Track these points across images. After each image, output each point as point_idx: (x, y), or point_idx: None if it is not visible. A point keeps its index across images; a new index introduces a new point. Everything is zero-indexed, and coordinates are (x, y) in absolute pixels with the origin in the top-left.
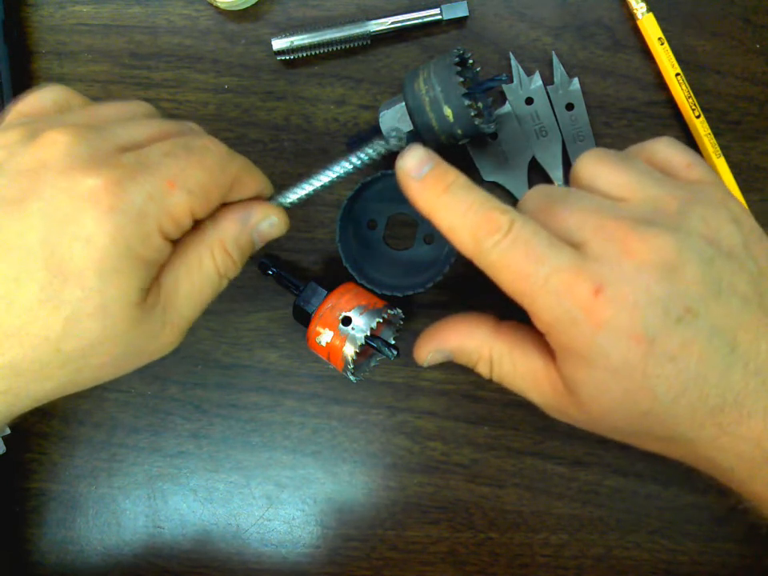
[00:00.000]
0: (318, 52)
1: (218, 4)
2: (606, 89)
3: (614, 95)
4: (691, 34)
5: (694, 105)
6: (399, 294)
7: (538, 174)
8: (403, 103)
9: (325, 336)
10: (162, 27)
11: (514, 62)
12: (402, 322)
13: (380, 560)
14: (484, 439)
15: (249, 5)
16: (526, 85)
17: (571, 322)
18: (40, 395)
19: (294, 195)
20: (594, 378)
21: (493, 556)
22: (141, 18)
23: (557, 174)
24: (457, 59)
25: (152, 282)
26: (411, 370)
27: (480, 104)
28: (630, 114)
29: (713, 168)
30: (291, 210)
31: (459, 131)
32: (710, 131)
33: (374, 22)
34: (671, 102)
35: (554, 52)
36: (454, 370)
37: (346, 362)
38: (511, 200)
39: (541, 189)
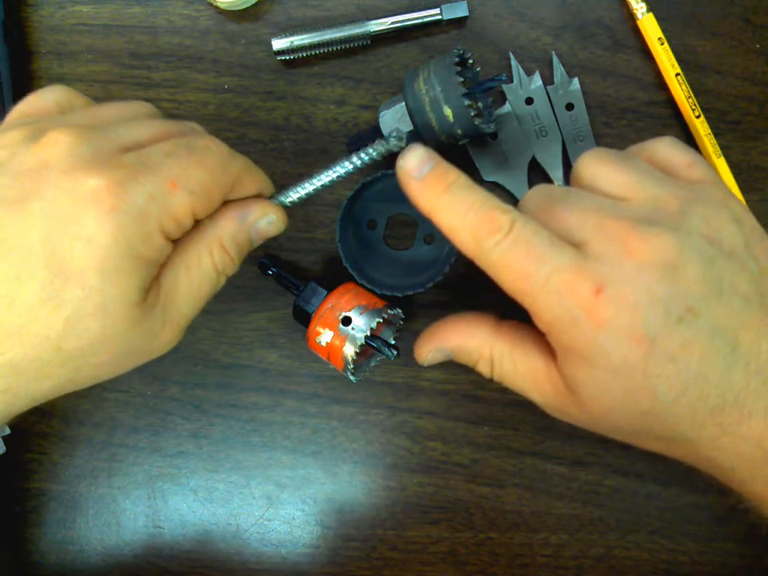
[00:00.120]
0: (317, 52)
1: (218, 4)
2: (606, 89)
3: (613, 95)
4: (691, 33)
5: (694, 105)
6: (399, 294)
7: (537, 174)
8: (403, 103)
9: (325, 336)
10: (162, 27)
11: (513, 62)
12: (401, 322)
13: (380, 560)
14: (484, 439)
15: (249, 5)
16: (525, 85)
17: (572, 321)
18: (39, 394)
19: (295, 195)
20: (594, 377)
21: (493, 556)
22: (141, 18)
23: (557, 174)
24: (457, 59)
25: (152, 282)
26: (411, 370)
27: (480, 104)
28: (629, 114)
29: (713, 168)
30: (291, 210)
31: (459, 131)
32: (709, 131)
33: (374, 21)
34: (671, 102)
35: (553, 52)
36: (454, 369)
37: (346, 362)
38: (511, 200)
39: (541, 188)
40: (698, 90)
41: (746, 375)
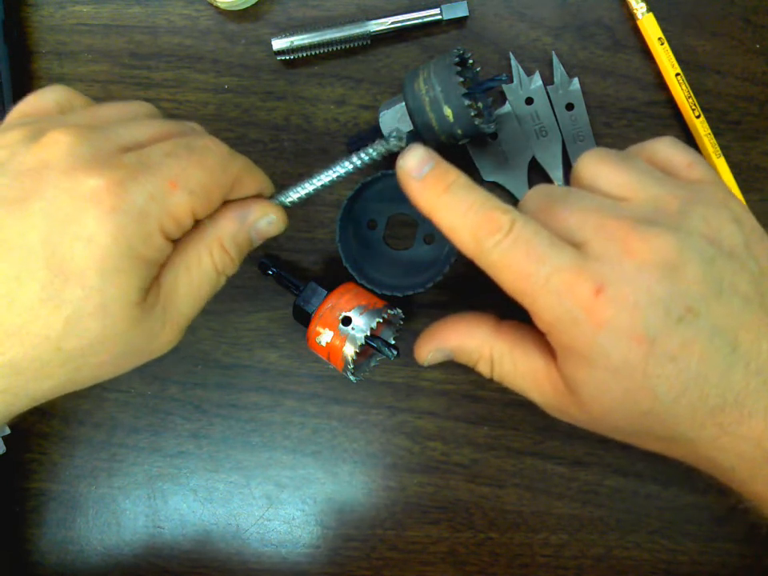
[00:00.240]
0: (317, 52)
1: (218, 4)
2: (606, 89)
3: (613, 95)
4: (691, 33)
5: (694, 105)
6: (399, 294)
7: (537, 174)
8: (403, 103)
9: (325, 336)
10: (162, 27)
11: (513, 62)
12: (401, 322)
13: (380, 560)
14: (484, 439)
15: (249, 5)
16: (526, 85)
17: (572, 321)
18: (39, 394)
19: (295, 195)
20: (594, 377)
21: (493, 556)
22: (141, 18)
23: (557, 174)
24: (457, 59)
25: (152, 282)
26: (411, 370)
27: (480, 104)
28: (630, 114)
29: (713, 168)
30: (291, 210)
31: (459, 131)
32: (709, 131)
33: (374, 21)
34: (671, 102)
35: (554, 52)
36: (454, 369)
37: (346, 362)
38: (511, 200)
39: (541, 188)
40: (698, 90)
41: (746, 375)
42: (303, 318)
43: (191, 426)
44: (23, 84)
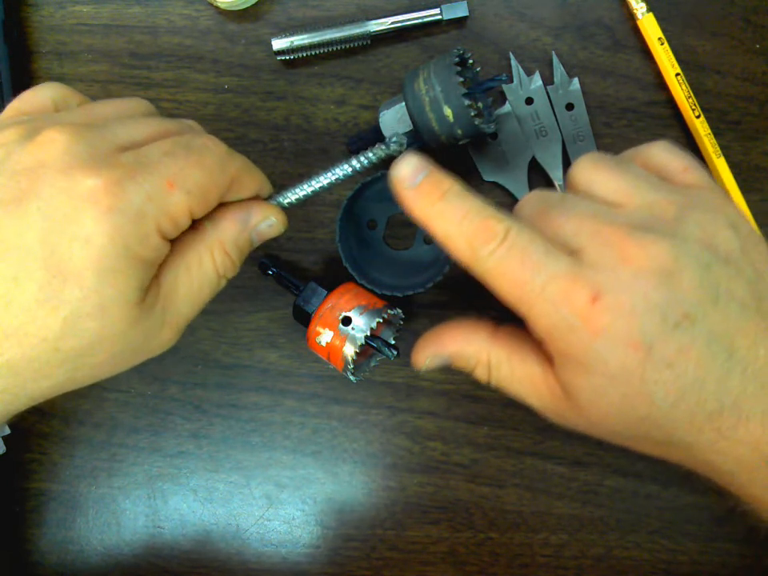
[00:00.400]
0: (317, 52)
1: (218, 4)
2: (606, 89)
3: (613, 95)
4: (691, 33)
5: (694, 105)
6: (399, 294)
7: (537, 174)
8: (403, 103)
9: (325, 336)
10: (162, 27)
11: (513, 62)
12: (401, 322)
13: (380, 560)
14: (484, 439)
15: (249, 5)
16: (526, 85)
17: (569, 329)
18: (37, 394)
19: (294, 196)
20: (592, 383)
21: (493, 556)
22: (141, 18)
23: (557, 173)
24: (457, 59)
25: (151, 282)
26: (411, 370)
27: (480, 104)
28: (630, 114)
29: (713, 168)
30: (291, 210)
31: (459, 131)
32: (709, 131)
33: (374, 21)
34: (671, 102)
35: (553, 52)
36: (454, 370)
37: (346, 362)
38: (511, 200)
39: (537, 194)
40: (698, 90)
41: (743, 380)
42: (303, 318)
43: (191, 425)
44: (23, 84)
